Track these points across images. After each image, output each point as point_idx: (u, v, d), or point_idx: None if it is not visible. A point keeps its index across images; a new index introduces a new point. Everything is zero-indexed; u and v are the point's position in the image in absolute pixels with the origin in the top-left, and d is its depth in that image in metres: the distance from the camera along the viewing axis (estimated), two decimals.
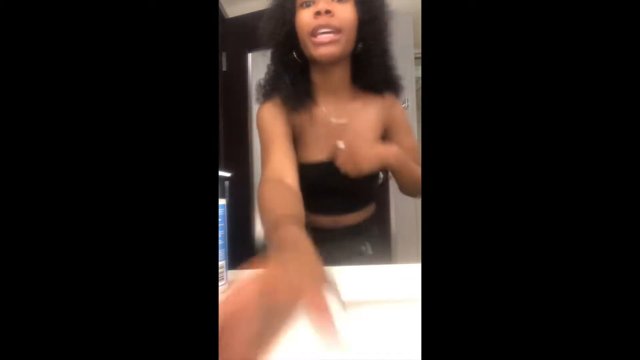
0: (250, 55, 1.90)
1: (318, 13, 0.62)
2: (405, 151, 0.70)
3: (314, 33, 0.64)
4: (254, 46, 1.83)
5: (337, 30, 0.64)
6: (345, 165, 0.63)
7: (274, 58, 0.73)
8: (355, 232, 0.81)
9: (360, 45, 0.69)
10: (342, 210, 0.78)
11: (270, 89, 0.73)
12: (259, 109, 0.74)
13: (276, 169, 0.62)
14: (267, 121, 0.70)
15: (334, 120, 0.73)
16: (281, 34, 0.69)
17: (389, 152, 0.67)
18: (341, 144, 0.67)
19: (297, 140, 0.73)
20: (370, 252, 0.82)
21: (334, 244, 0.76)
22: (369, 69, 0.72)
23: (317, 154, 0.73)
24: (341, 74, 0.72)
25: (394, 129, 0.79)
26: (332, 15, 0.63)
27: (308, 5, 0.65)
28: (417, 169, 0.70)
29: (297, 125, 0.73)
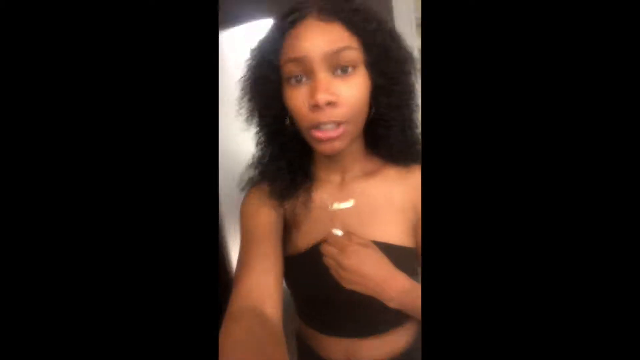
0: None
1: (316, 107, 0.42)
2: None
3: (313, 127, 0.45)
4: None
5: (343, 122, 0.44)
6: (329, 263, 0.49)
7: (262, 127, 0.52)
8: None
9: (373, 110, 0.48)
10: (351, 328, 0.53)
11: (259, 176, 0.54)
12: (243, 200, 0.55)
13: (252, 291, 0.43)
14: (251, 218, 0.51)
15: (336, 205, 0.53)
16: (269, 115, 0.49)
17: (399, 285, 0.48)
18: (338, 231, 0.51)
19: (290, 228, 0.55)
20: None
21: None
22: (385, 140, 0.51)
23: (315, 241, 0.53)
24: (352, 148, 0.52)
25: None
26: (335, 106, 0.43)
27: (298, 81, 0.44)
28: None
29: (290, 211, 0.54)
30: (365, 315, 0.52)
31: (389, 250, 0.50)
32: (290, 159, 0.51)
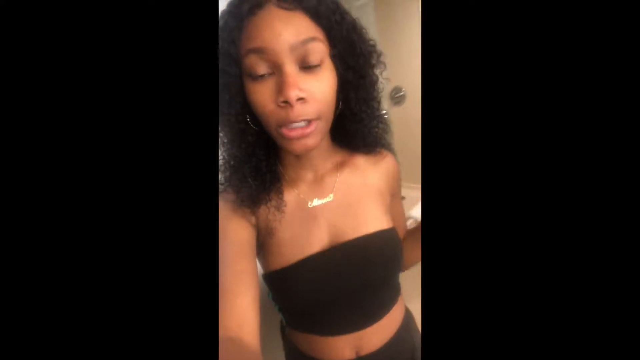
0: None
1: (286, 104, 0.39)
2: (396, 217, 0.58)
3: (282, 125, 0.41)
4: None
5: (314, 119, 0.42)
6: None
7: (223, 127, 0.47)
8: (389, 357, 0.54)
9: (340, 105, 0.47)
10: (358, 318, 0.52)
11: (226, 183, 0.50)
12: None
13: (225, 318, 0.40)
14: (221, 233, 0.46)
15: (316, 202, 0.51)
16: (230, 114, 0.44)
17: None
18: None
19: (268, 239, 0.51)
20: None
21: None
22: (355, 133, 0.52)
23: (301, 250, 0.50)
24: (322, 144, 0.50)
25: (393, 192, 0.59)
26: (306, 103, 0.40)
27: (262, 78, 0.40)
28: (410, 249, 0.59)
29: (263, 217, 0.50)
30: (374, 302, 0.52)
31: (381, 237, 0.51)
32: (256, 163, 0.48)
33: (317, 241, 0.50)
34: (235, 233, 0.46)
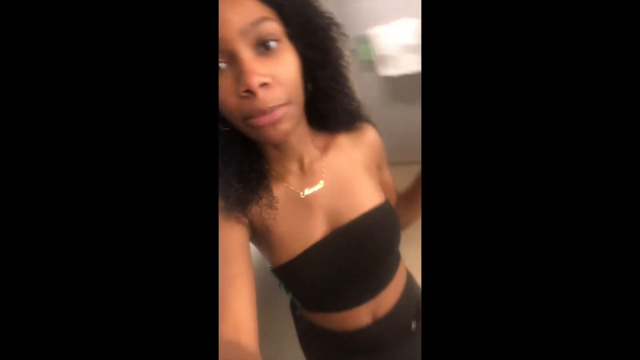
0: None
1: (248, 92, 0.37)
2: (386, 186, 0.60)
3: (249, 117, 0.39)
4: None
5: (282, 104, 0.39)
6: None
7: None
8: (400, 313, 0.59)
9: (309, 86, 0.46)
10: (370, 289, 0.55)
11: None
12: None
13: (222, 321, 0.39)
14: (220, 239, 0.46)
15: (307, 191, 0.51)
16: None
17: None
18: None
19: (267, 237, 0.51)
20: (416, 326, 0.62)
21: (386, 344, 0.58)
22: (330, 113, 0.50)
23: (304, 241, 0.50)
24: (300, 131, 0.49)
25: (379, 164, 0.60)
26: (270, 88, 0.38)
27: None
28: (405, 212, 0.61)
29: (258, 219, 0.49)
30: (382, 272, 0.56)
31: (377, 212, 0.52)
32: (237, 165, 0.46)
33: (317, 229, 0.50)
34: (225, 238, 0.45)
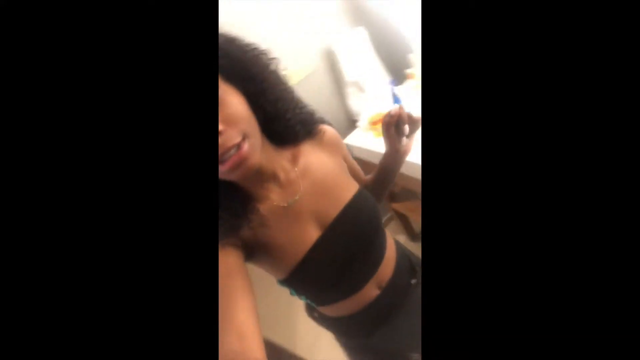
0: None
1: None
2: (355, 172, 0.68)
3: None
4: None
5: (241, 140, 0.43)
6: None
7: None
8: (400, 275, 0.67)
9: (260, 113, 0.49)
10: (371, 267, 0.61)
11: None
12: None
13: (224, 339, 0.40)
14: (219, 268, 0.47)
15: (290, 201, 0.54)
16: None
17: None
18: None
19: (265, 252, 0.53)
20: (415, 280, 0.70)
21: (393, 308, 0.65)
22: (285, 129, 0.54)
23: (301, 247, 0.54)
24: (265, 154, 0.52)
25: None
26: (224, 132, 0.41)
27: None
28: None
29: (252, 240, 0.52)
30: (377, 249, 0.62)
31: (356, 200, 0.57)
32: (222, 198, 0.48)
33: (309, 232, 0.54)
34: (223, 261, 0.46)
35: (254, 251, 0.52)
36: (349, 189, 0.59)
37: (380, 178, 0.71)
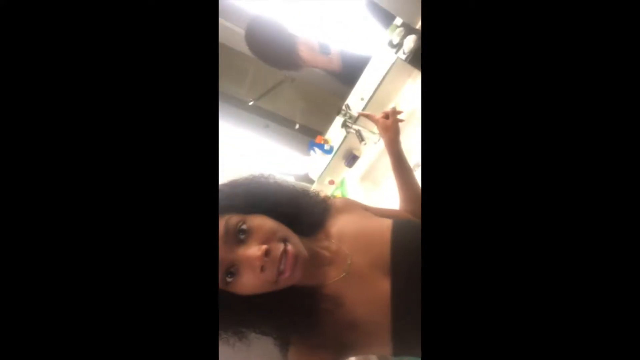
0: None
1: (263, 269, 0.43)
2: (383, 213, 0.71)
3: (274, 278, 0.45)
4: None
5: (284, 246, 0.45)
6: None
7: None
8: None
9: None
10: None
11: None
12: None
13: None
14: None
15: (345, 267, 0.56)
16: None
17: None
18: None
19: (356, 331, 0.53)
20: None
21: None
22: (307, 224, 0.59)
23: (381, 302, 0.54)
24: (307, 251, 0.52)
25: None
26: (269, 250, 0.44)
27: (231, 276, 0.44)
28: None
29: (337, 332, 0.52)
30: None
31: (395, 228, 0.59)
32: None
33: (380, 283, 0.55)
34: None
35: (346, 344, 0.52)
36: (385, 225, 0.60)
37: (396, 173, 0.75)
